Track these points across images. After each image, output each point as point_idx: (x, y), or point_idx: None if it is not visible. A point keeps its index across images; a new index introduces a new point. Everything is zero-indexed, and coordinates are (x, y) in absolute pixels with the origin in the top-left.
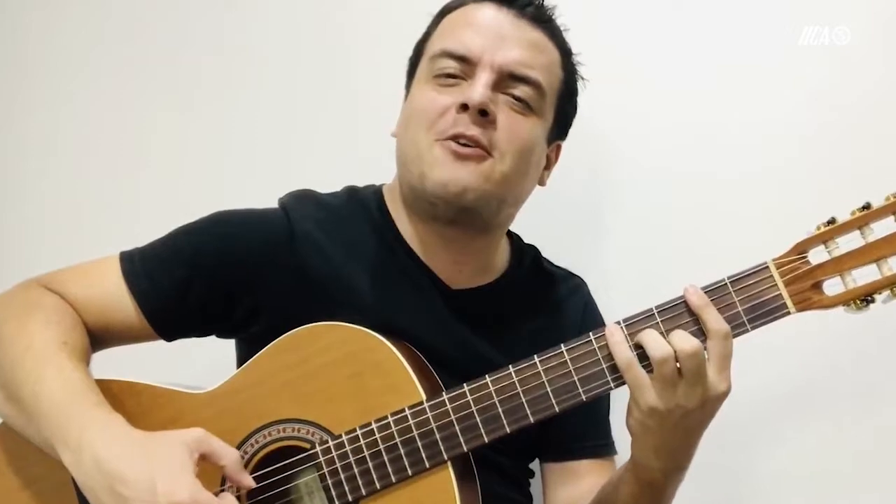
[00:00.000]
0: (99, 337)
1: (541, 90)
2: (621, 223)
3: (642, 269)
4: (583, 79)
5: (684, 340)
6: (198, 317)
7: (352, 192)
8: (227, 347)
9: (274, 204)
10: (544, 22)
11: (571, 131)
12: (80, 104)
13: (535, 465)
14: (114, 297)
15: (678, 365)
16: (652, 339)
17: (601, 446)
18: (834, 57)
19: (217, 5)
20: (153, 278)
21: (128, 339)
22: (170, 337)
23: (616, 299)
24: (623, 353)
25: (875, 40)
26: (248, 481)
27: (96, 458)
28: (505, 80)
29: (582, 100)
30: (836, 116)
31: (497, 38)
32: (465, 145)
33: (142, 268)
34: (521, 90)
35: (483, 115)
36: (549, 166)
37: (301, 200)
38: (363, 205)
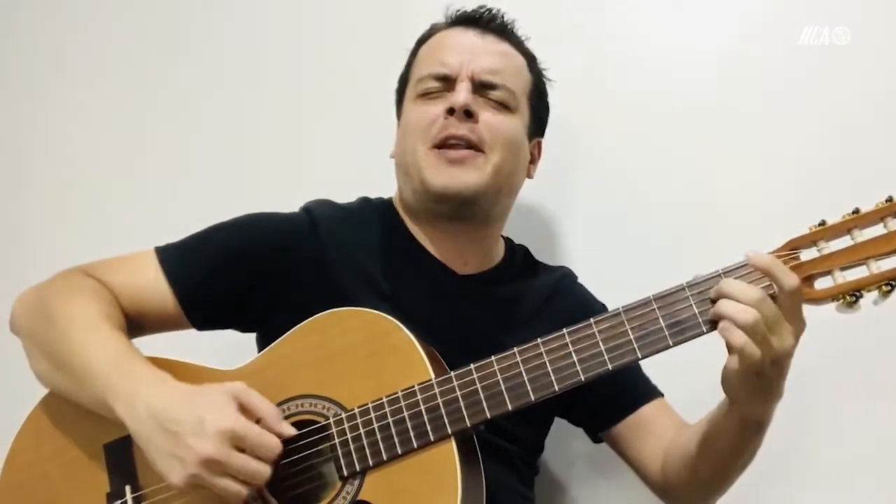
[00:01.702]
0: (134, 323)
1: (512, 92)
2: (619, 219)
3: (639, 265)
4: (549, 80)
5: (749, 295)
6: (228, 303)
7: (365, 200)
8: (238, 341)
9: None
10: (506, 34)
11: (571, 131)
12: (80, 104)
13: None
14: (151, 283)
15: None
16: (732, 309)
17: (649, 390)
18: (834, 57)
19: (222, 7)
20: (188, 266)
21: (160, 326)
22: (199, 324)
23: (613, 295)
24: (736, 337)
25: (875, 40)
26: (288, 429)
27: (148, 405)
28: (481, 87)
29: (584, 99)
30: (835, 116)
31: (469, 53)
32: (455, 145)
33: (177, 257)
34: (496, 95)
35: (468, 115)
36: (533, 161)
37: (321, 205)
38: (376, 209)
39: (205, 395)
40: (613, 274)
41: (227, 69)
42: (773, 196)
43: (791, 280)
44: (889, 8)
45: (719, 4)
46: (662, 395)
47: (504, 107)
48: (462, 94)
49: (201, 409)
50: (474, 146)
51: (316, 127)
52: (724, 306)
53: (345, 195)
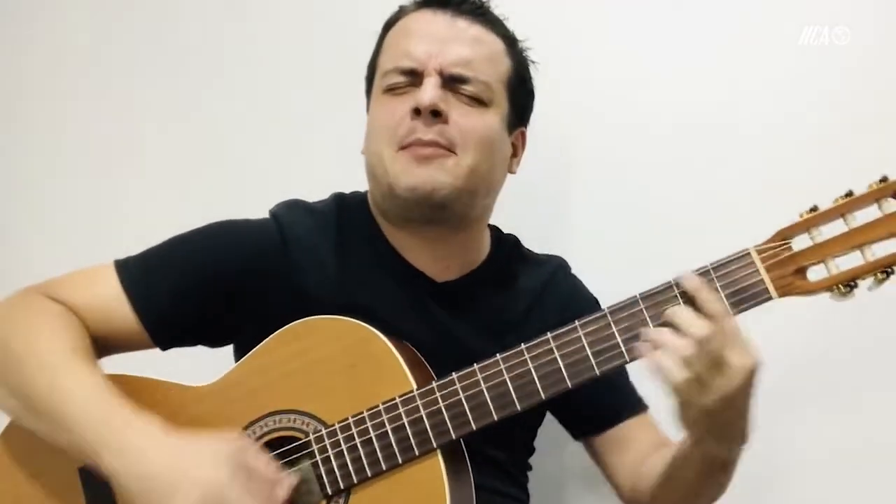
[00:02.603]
0: (100, 344)
1: (487, 84)
2: (617, 222)
3: (638, 269)
4: (533, 62)
5: (697, 327)
6: (194, 324)
7: (339, 199)
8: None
9: (266, 210)
10: (481, 15)
11: (572, 129)
12: (77, 106)
13: (532, 459)
14: (112, 303)
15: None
16: (671, 340)
17: (634, 403)
18: (834, 57)
19: (218, 8)
20: (150, 285)
21: (124, 347)
22: (165, 344)
23: (599, 288)
24: (675, 374)
25: (875, 40)
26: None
27: (138, 465)
28: (451, 81)
29: (583, 98)
30: (835, 116)
31: (437, 42)
32: (426, 145)
33: (139, 274)
34: (468, 89)
35: (436, 115)
36: (516, 154)
37: (291, 209)
38: (350, 211)
39: (195, 452)
40: (613, 270)
41: (217, 68)
42: (771, 195)
43: (718, 307)
44: (889, 8)
45: (719, 4)
46: (647, 408)
47: (478, 101)
48: (428, 93)
49: (191, 469)
50: (444, 147)
51: (299, 121)
52: (664, 336)
53: (329, 191)
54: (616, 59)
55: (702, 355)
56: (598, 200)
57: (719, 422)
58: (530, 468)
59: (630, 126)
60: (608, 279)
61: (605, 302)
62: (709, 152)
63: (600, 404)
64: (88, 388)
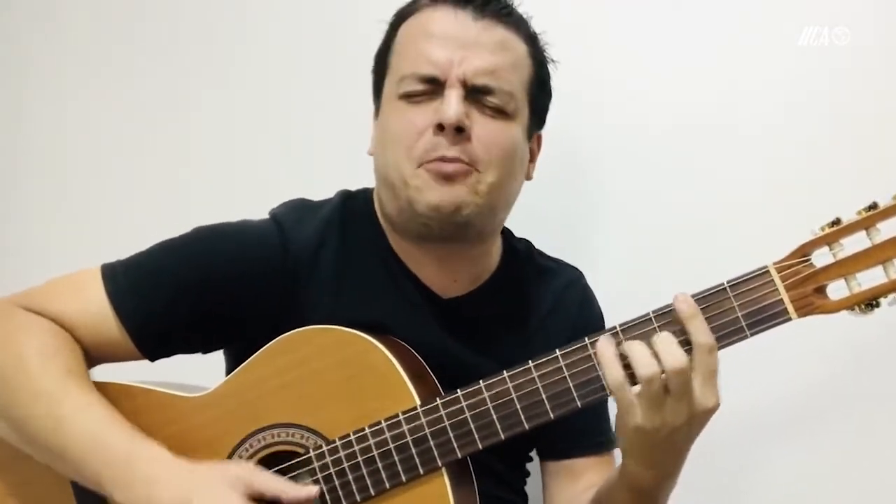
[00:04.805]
0: (87, 356)
1: (511, 94)
2: (620, 223)
3: (639, 269)
4: (553, 61)
5: (672, 356)
6: (185, 336)
7: (345, 199)
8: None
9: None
10: (506, 16)
11: (573, 130)
12: (76, 106)
13: (531, 465)
14: (98, 316)
15: (665, 381)
16: (640, 355)
17: (599, 443)
18: (834, 57)
19: (218, 8)
20: (139, 297)
21: (112, 358)
22: (154, 356)
23: (612, 300)
24: (613, 372)
25: (875, 40)
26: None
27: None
28: (474, 92)
29: (582, 99)
30: (835, 117)
31: (460, 47)
32: (450, 161)
33: (127, 286)
34: (492, 101)
35: (459, 131)
36: (532, 159)
37: (293, 211)
38: (355, 215)
39: (209, 486)
40: (613, 268)
41: (215, 66)
42: (773, 196)
43: (705, 339)
44: (889, 8)
45: (719, 4)
46: (612, 449)
47: (501, 112)
48: (452, 108)
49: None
50: (466, 164)
51: (311, 118)
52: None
53: (332, 190)
54: (615, 59)
55: (653, 385)
56: (594, 200)
57: (656, 451)
58: (528, 474)
59: (627, 126)
60: (607, 277)
61: (612, 299)
62: (708, 152)
63: (568, 433)
64: (88, 419)
